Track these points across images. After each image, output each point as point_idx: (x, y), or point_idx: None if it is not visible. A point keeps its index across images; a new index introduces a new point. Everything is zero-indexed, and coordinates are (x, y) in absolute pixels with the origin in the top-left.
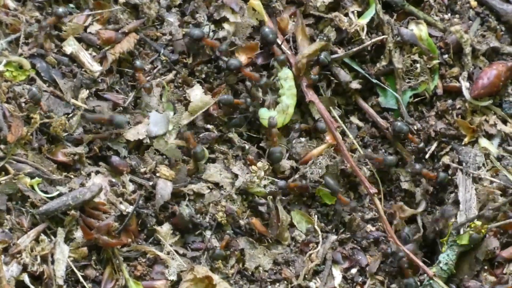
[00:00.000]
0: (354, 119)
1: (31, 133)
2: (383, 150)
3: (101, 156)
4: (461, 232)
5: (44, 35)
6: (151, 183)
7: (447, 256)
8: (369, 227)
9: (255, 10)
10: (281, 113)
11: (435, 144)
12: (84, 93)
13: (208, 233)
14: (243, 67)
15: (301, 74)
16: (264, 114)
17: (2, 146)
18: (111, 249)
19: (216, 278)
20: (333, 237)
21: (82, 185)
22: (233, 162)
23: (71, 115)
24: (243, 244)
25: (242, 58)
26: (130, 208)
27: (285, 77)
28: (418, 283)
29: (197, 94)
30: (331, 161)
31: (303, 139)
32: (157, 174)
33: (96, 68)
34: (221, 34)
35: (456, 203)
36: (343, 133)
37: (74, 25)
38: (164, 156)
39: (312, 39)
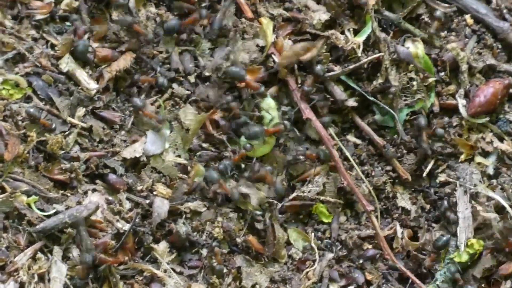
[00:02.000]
0: (350, 137)
1: (28, 151)
2: (380, 168)
3: (97, 174)
4: (461, 250)
5: (40, 54)
6: (147, 201)
7: (444, 274)
8: (366, 245)
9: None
10: (262, 143)
11: (431, 162)
12: (80, 111)
13: (205, 251)
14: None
15: (284, 74)
16: (244, 142)
17: None
18: (108, 267)
19: None
20: (330, 255)
21: (79, 203)
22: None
23: (67, 133)
24: (239, 262)
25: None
26: (127, 226)
27: (267, 108)
28: None
29: (188, 114)
30: (328, 178)
31: (301, 157)
32: (154, 192)
33: (92, 86)
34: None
35: (454, 220)
36: (340, 151)
37: (66, 40)
38: (161, 174)
39: None
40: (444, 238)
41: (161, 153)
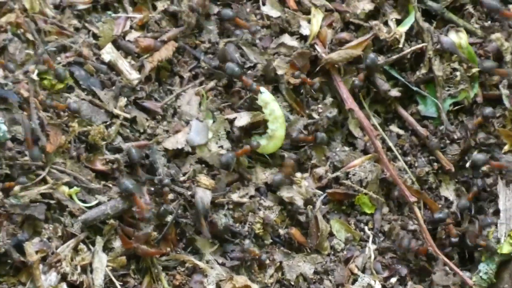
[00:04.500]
0: (393, 127)
1: (69, 141)
2: (423, 158)
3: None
4: (502, 241)
5: (82, 43)
6: (190, 192)
7: (487, 266)
8: (409, 236)
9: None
10: (269, 139)
11: (475, 153)
12: (122, 101)
13: (246, 242)
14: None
15: (331, 70)
16: (254, 139)
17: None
18: (150, 258)
19: (255, 287)
20: (373, 246)
21: (121, 194)
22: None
23: (109, 123)
24: (280, 257)
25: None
26: (169, 217)
27: (264, 104)
28: None
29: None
30: (372, 169)
31: (347, 148)
32: (197, 184)
33: (134, 76)
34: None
35: (497, 212)
36: (383, 141)
37: (108, 27)
38: (203, 165)
39: None
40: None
41: (206, 143)
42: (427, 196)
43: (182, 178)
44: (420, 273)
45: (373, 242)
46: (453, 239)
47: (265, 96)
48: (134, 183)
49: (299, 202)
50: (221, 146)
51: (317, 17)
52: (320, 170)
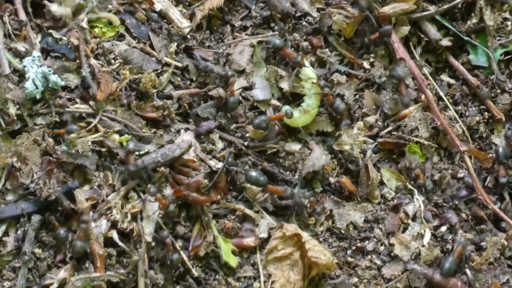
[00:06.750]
0: (444, 77)
1: (120, 89)
2: (474, 108)
3: (190, 112)
4: None
5: None
6: (240, 140)
7: None
8: (459, 185)
9: None
10: (302, 113)
11: None
12: (173, 48)
13: (297, 190)
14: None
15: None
16: (288, 108)
17: (92, 103)
18: (200, 206)
19: (305, 235)
20: (423, 195)
21: (171, 141)
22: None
23: (160, 71)
24: (330, 205)
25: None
26: (219, 165)
27: (306, 78)
28: None
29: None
30: (423, 116)
31: (396, 96)
32: (247, 134)
33: (185, 24)
34: None
35: None
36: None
37: None
38: (254, 112)
39: None
40: None
41: (269, 99)
42: (475, 147)
43: (232, 126)
44: (470, 222)
45: (424, 190)
46: (502, 180)
47: (308, 71)
48: (263, 174)
49: (350, 150)
50: (272, 95)
51: None
52: (370, 119)
